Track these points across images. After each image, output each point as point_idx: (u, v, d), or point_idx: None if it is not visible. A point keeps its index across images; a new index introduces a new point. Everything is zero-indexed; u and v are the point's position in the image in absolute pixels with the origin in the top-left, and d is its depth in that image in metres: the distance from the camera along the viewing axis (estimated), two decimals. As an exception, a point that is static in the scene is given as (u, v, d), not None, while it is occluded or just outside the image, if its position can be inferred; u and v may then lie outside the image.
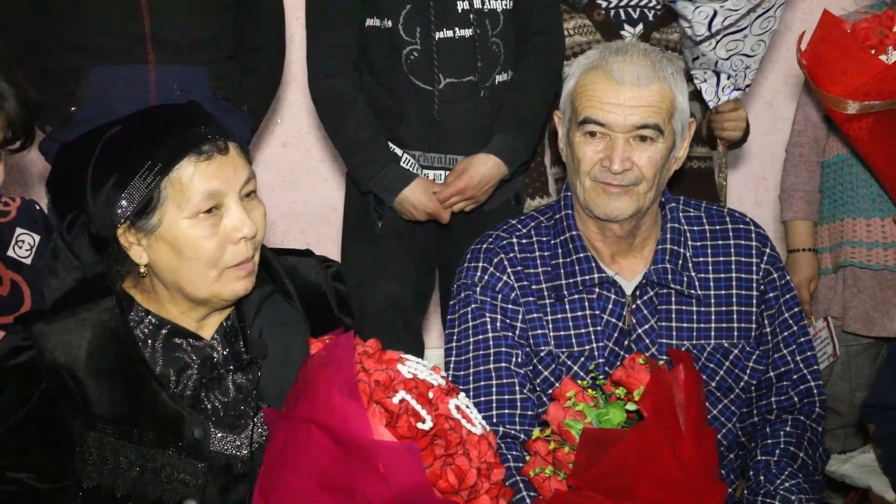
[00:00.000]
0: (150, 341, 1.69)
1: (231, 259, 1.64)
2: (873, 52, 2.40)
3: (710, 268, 2.04)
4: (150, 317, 1.70)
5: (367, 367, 1.59)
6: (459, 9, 2.50)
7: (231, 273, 1.65)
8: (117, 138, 1.63)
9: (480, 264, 2.04)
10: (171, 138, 1.60)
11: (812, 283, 2.77)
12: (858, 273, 2.69)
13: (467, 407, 1.67)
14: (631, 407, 1.75)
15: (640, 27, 2.70)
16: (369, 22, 2.53)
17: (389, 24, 2.50)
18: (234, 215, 1.63)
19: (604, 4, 2.70)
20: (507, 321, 2.01)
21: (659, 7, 2.72)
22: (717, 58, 2.58)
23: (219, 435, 1.69)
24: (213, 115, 1.69)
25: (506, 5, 2.55)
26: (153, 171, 1.58)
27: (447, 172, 2.54)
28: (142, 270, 1.66)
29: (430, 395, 1.62)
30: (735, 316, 2.03)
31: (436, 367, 1.69)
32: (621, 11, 2.71)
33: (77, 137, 1.70)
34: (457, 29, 2.50)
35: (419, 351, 2.67)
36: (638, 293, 2.01)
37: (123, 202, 1.59)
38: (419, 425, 1.54)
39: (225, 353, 1.74)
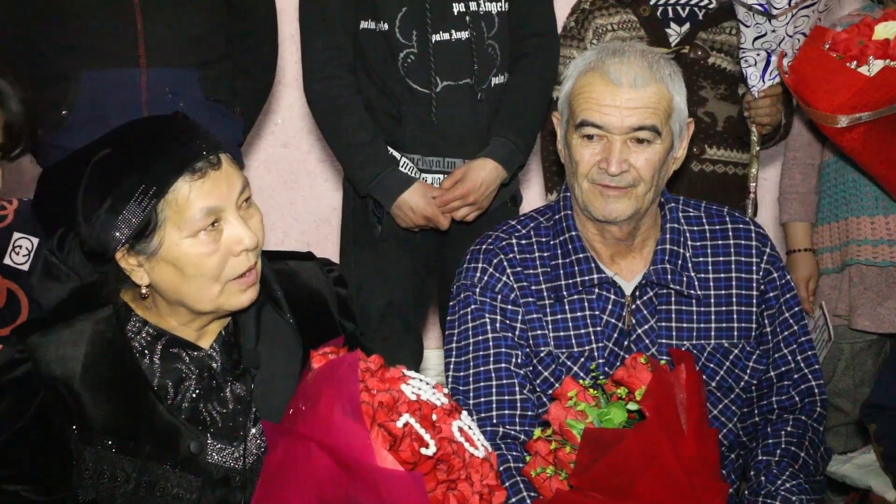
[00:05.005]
0: (147, 352, 1.68)
1: (233, 272, 1.63)
2: (855, 63, 2.40)
3: (710, 268, 2.03)
4: (147, 327, 1.69)
5: (370, 387, 1.57)
6: (455, 11, 2.48)
7: (234, 286, 1.64)
8: (106, 161, 1.60)
9: (480, 265, 2.04)
10: (162, 159, 1.58)
11: (811, 281, 2.78)
12: (865, 270, 2.69)
13: (469, 428, 1.65)
14: (632, 406, 1.75)
15: (686, 26, 2.68)
16: (363, 24, 2.52)
17: (385, 26, 2.49)
18: (234, 228, 1.61)
19: (652, 0, 2.68)
20: (507, 322, 2.01)
21: (712, 6, 2.69)
22: (784, 35, 2.51)
23: (217, 446, 1.69)
24: (200, 126, 1.66)
25: (501, 7, 2.54)
26: (148, 194, 1.56)
27: (445, 176, 2.53)
28: (143, 292, 1.65)
29: (434, 416, 1.60)
30: (735, 316, 2.02)
31: (439, 384, 1.68)
32: (669, 9, 2.68)
33: (60, 161, 1.68)
34: (453, 31, 2.49)
35: (419, 354, 2.67)
36: (637, 293, 2.01)
37: (120, 227, 1.57)
38: (423, 450, 1.53)
39: (223, 363, 1.73)
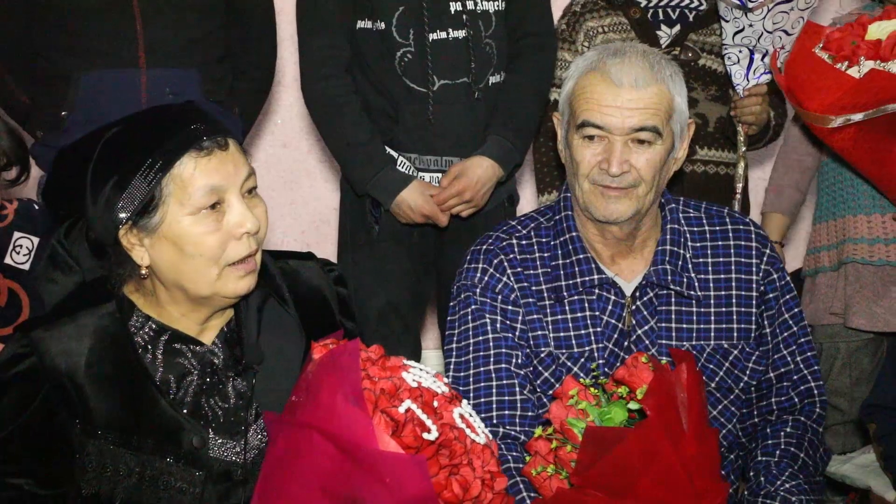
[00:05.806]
0: (150, 347, 1.69)
1: (233, 255, 1.64)
2: (846, 63, 2.40)
3: (710, 269, 2.03)
4: (150, 322, 1.70)
5: (372, 375, 1.58)
6: (452, 10, 2.49)
7: (232, 272, 1.65)
8: (116, 139, 1.63)
9: (480, 265, 2.04)
10: (170, 136, 1.60)
11: None
12: (860, 269, 2.70)
13: (470, 415, 1.66)
14: (633, 406, 1.75)
15: (677, 28, 2.68)
16: (360, 24, 2.52)
17: (382, 26, 2.49)
18: (236, 211, 1.63)
19: (643, 2, 2.68)
20: (507, 322, 2.01)
21: (702, 7, 2.69)
22: (762, 30, 2.50)
23: (219, 441, 1.69)
24: (210, 112, 1.69)
25: (498, 6, 2.54)
26: (154, 168, 1.58)
27: (442, 175, 2.53)
28: (143, 272, 1.66)
29: (435, 403, 1.61)
30: (735, 317, 2.02)
31: (438, 374, 1.69)
32: (660, 11, 2.68)
33: (74, 141, 1.70)
34: (450, 30, 2.49)
35: (417, 354, 2.66)
36: (638, 294, 2.01)
37: (124, 202, 1.59)
38: (425, 435, 1.53)
39: (225, 358, 1.73)
